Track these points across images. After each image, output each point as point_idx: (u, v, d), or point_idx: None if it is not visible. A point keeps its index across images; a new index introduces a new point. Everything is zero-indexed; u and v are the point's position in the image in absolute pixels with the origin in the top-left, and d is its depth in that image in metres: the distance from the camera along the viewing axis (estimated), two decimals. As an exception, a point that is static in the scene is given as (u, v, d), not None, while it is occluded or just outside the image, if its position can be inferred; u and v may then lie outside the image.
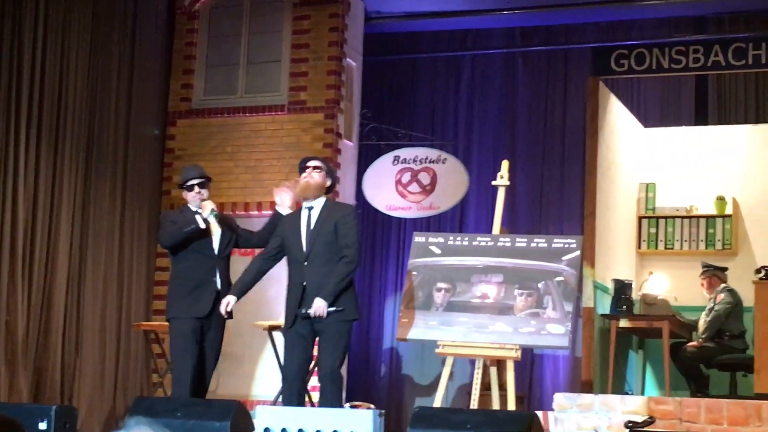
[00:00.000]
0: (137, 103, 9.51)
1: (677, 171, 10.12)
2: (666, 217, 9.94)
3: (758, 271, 8.32)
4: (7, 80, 8.11)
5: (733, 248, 9.71)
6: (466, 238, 7.47)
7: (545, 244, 7.17)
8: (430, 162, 9.72)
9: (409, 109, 10.72)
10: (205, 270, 6.72)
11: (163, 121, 9.92)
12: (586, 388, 8.52)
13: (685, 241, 9.86)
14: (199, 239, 6.74)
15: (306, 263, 6.38)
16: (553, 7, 9.94)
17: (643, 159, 10.18)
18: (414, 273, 7.34)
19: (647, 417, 5.38)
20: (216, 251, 6.78)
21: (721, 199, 9.80)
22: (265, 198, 9.25)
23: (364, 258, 9.87)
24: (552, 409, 6.09)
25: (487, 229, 8.06)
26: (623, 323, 8.81)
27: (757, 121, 10.60)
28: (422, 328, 7.12)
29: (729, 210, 9.79)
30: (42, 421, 5.38)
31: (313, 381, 8.38)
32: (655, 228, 9.97)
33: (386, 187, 9.74)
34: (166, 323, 7.04)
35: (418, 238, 7.51)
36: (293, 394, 6.34)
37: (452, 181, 9.62)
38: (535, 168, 10.22)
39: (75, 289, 8.69)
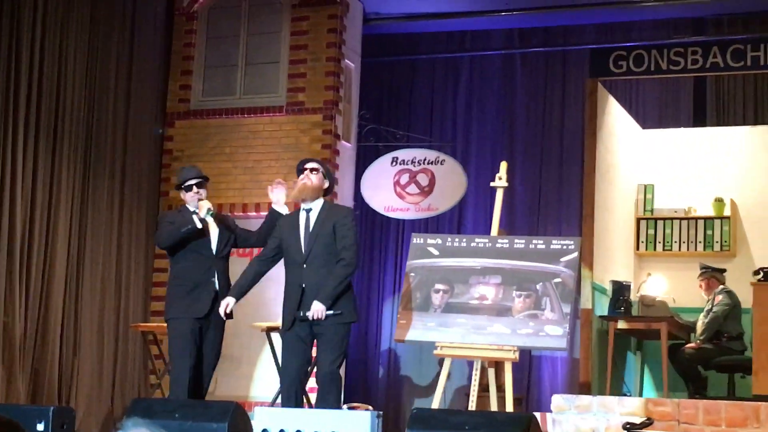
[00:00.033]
0: (135, 103, 9.50)
1: (675, 172, 10.13)
2: (664, 219, 9.95)
3: (756, 272, 8.33)
4: (5, 80, 8.10)
5: (731, 250, 9.72)
6: (465, 240, 7.47)
7: (543, 246, 7.17)
8: (428, 163, 9.72)
9: (408, 111, 10.72)
10: (203, 270, 6.71)
11: (162, 122, 9.92)
12: (584, 389, 8.52)
13: (684, 242, 9.87)
14: (197, 239, 6.74)
15: (305, 265, 6.37)
16: (552, 8, 9.95)
17: (641, 160, 10.19)
18: (412, 274, 7.34)
19: (645, 418, 5.38)
20: (214, 251, 6.78)
21: (719, 201, 9.81)
22: (263, 199, 9.24)
23: (362, 259, 9.87)
24: (550, 411, 6.08)
25: (486, 231, 8.06)
26: (621, 325, 8.81)
27: (755, 123, 10.62)
28: (420, 329, 7.12)
29: (727, 211, 9.80)
30: (39, 423, 5.38)
31: (311, 383, 8.38)
32: (654, 229, 9.98)
33: (384, 189, 9.74)
34: (164, 324, 7.04)
35: (417, 240, 7.51)
36: (291, 395, 6.34)
37: (451, 182, 9.62)
38: (533, 169, 10.22)
39: (73, 290, 8.69)
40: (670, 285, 9.61)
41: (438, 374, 7.20)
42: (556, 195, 10.15)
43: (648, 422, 5.35)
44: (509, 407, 6.82)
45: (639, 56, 9.30)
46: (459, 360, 8.17)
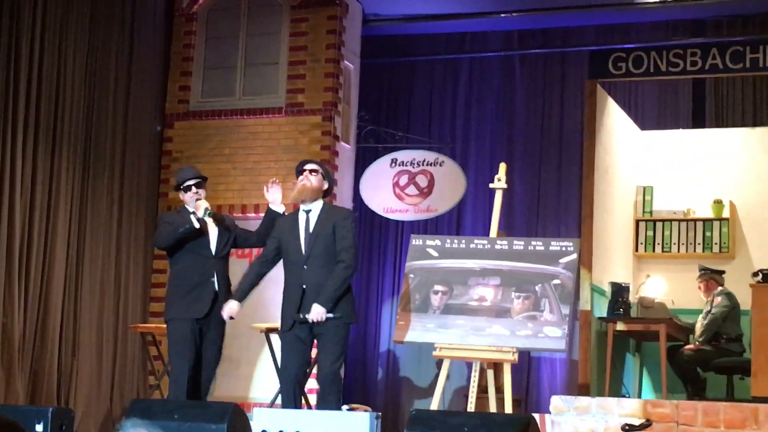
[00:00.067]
0: (135, 104, 9.50)
1: (674, 174, 10.13)
2: (663, 220, 9.95)
3: (755, 274, 8.33)
4: (4, 81, 8.10)
5: (730, 251, 9.72)
6: (464, 241, 7.47)
7: (542, 247, 7.17)
8: (427, 164, 9.72)
9: (407, 112, 10.73)
10: (202, 270, 6.70)
11: (161, 123, 9.92)
12: (583, 390, 8.52)
13: (683, 244, 9.86)
14: (196, 240, 6.73)
15: (305, 266, 6.37)
16: (551, 10, 9.96)
17: (640, 162, 10.19)
18: (411, 275, 7.34)
19: (644, 420, 5.38)
20: (213, 252, 6.77)
21: (718, 203, 9.81)
22: (262, 200, 9.21)
23: (361, 260, 9.87)
24: (549, 412, 6.08)
25: (485, 232, 8.06)
26: (620, 326, 8.81)
27: (754, 125, 10.61)
28: (419, 330, 7.12)
29: (726, 213, 9.80)
30: (38, 423, 5.37)
31: (310, 383, 8.38)
32: (653, 231, 9.98)
33: (384, 190, 9.74)
34: (163, 325, 7.04)
35: (416, 241, 7.51)
36: (290, 396, 6.34)
37: (450, 183, 9.62)
38: (532, 171, 10.22)
39: (72, 291, 8.69)
40: (669, 286, 9.60)
41: (437, 375, 7.20)
42: (555, 196, 10.15)
43: (647, 424, 5.35)
44: (508, 408, 6.82)
45: (638, 58, 9.30)
46: (458, 361, 8.17)
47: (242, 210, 9.43)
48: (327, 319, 6.25)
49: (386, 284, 10.43)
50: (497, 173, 7.65)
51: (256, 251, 8.74)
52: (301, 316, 6.29)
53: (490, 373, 7.14)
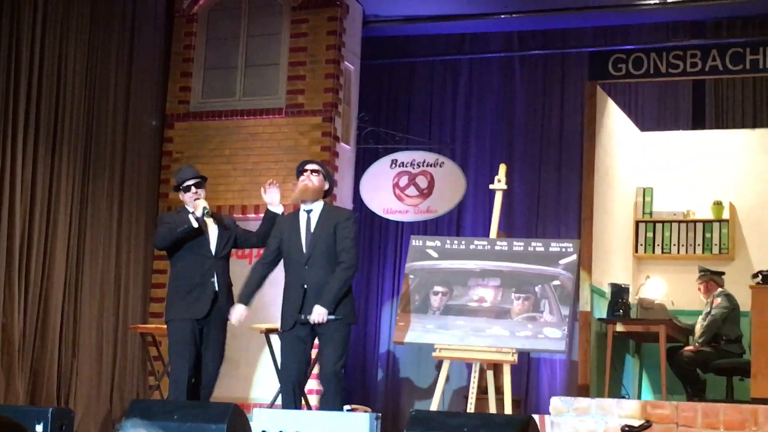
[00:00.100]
0: (135, 105, 9.51)
1: (674, 175, 10.13)
2: (663, 222, 9.95)
3: (755, 275, 8.33)
4: (4, 82, 8.10)
5: (730, 253, 9.72)
6: (464, 242, 7.48)
7: (542, 248, 7.18)
8: (427, 165, 9.72)
9: (407, 113, 10.73)
10: (202, 271, 6.69)
11: (161, 124, 9.92)
12: (583, 391, 8.52)
13: (682, 245, 9.86)
14: (195, 240, 6.72)
15: (306, 266, 6.37)
16: (551, 11, 9.96)
17: (640, 163, 10.19)
18: (411, 276, 7.34)
19: (644, 421, 5.39)
20: (213, 252, 6.76)
21: (718, 204, 9.81)
22: (262, 201, 9.16)
23: (361, 261, 9.87)
24: (548, 413, 6.08)
25: (485, 233, 8.07)
26: (620, 327, 8.81)
27: (754, 126, 10.61)
28: (419, 331, 7.12)
29: (726, 215, 9.80)
30: (38, 423, 5.38)
31: (311, 384, 8.38)
32: (652, 232, 9.98)
33: (384, 191, 9.74)
34: (163, 326, 7.03)
35: (416, 242, 7.51)
36: (290, 396, 6.34)
37: (450, 184, 9.63)
38: (532, 172, 10.23)
39: (72, 292, 8.69)
40: (669, 288, 9.60)
41: (437, 376, 7.20)
42: (555, 197, 10.15)
43: (646, 425, 5.35)
44: (508, 409, 6.82)
45: (638, 59, 9.31)
46: (458, 362, 8.17)
47: (242, 211, 9.43)
48: (328, 320, 6.26)
49: (386, 285, 10.43)
50: (497, 174, 7.65)
51: (256, 252, 8.74)
52: (303, 317, 6.29)
53: (489, 374, 7.14)
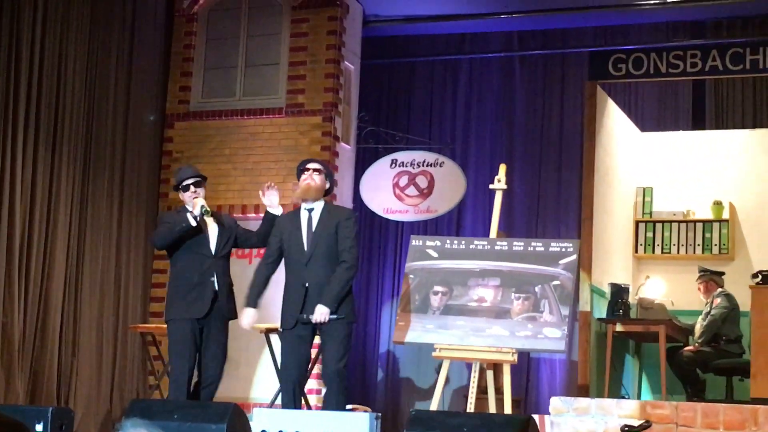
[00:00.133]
0: (135, 104, 9.51)
1: (674, 175, 10.13)
2: (663, 222, 9.95)
3: (755, 275, 8.33)
4: (4, 81, 8.10)
5: (729, 253, 9.72)
6: (463, 242, 7.48)
7: (542, 248, 7.18)
8: (427, 165, 9.72)
9: (407, 113, 10.73)
10: (202, 270, 6.67)
11: (161, 123, 9.92)
12: (583, 391, 8.52)
13: (682, 245, 9.87)
14: (194, 239, 6.70)
15: (308, 264, 6.38)
16: (551, 11, 9.96)
17: (640, 163, 10.19)
18: (411, 276, 7.34)
19: (643, 421, 5.39)
20: (213, 251, 6.74)
21: (718, 204, 9.82)
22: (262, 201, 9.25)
23: (361, 261, 9.86)
24: (548, 413, 6.08)
25: (485, 233, 8.07)
26: (620, 327, 8.81)
27: (754, 126, 10.61)
28: (419, 331, 7.12)
29: (726, 215, 9.80)
30: (38, 423, 5.38)
31: (310, 384, 8.38)
32: (652, 232, 9.98)
33: (384, 191, 9.74)
34: (163, 325, 7.03)
35: (415, 242, 7.51)
36: (291, 395, 6.34)
37: (450, 184, 9.63)
38: (532, 172, 10.23)
39: (72, 291, 8.69)
40: (669, 288, 9.61)
41: (437, 376, 7.20)
42: (555, 197, 10.15)
43: (646, 425, 5.35)
44: (507, 409, 6.82)
45: (638, 59, 9.31)
46: (457, 362, 8.17)
47: (242, 210, 9.43)
48: (330, 320, 6.26)
49: (386, 285, 10.44)
50: (497, 174, 7.65)
51: (256, 252, 8.74)
52: (305, 316, 6.29)
53: (489, 374, 7.14)
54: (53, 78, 8.56)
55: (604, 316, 8.94)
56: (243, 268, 8.81)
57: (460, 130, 10.54)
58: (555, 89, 10.38)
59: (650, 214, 10.03)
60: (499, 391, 7.28)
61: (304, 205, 6.54)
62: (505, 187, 7.62)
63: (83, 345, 8.74)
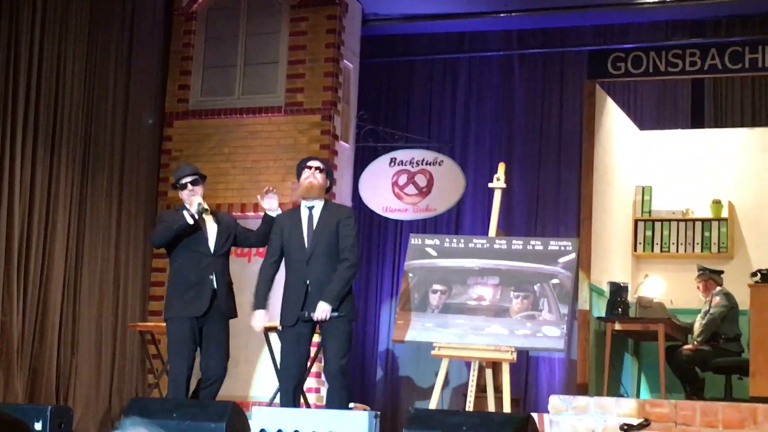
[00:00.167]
0: (134, 103, 9.50)
1: (673, 174, 10.14)
2: (662, 220, 9.96)
3: (754, 274, 8.34)
4: (3, 81, 8.09)
5: (728, 251, 9.73)
6: (462, 240, 7.48)
7: (541, 247, 7.18)
8: (426, 164, 9.72)
9: (406, 111, 10.73)
10: (200, 268, 6.65)
11: (160, 122, 9.92)
12: (582, 390, 8.53)
13: (681, 244, 9.87)
14: (193, 237, 6.69)
15: (308, 262, 6.38)
16: (550, 9, 9.96)
17: (639, 162, 10.20)
18: (410, 275, 7.34)
19: (642, 420, 5.39)
20: (212, 249, 6.72)
21: (717, 203, 9.82)
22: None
23: (360, 260, 9.87)
24: (547, 412, 6.08)
25: (483, 232, 8.07)
26: (619, 326, 8.82)
27: (753, 125, 10.63)
28: (418, 329, 7.12)
29: (725, 213, 9.81)
30: (37, 422, 5.37)
31: (309, 383, 8.38)
32: (651, 231, 9.99)
33: (383, 189, 9.74)
34: (162, 324, 7.02)
35: (414, 240, 7.51)
36: (290, 393, 6.34)
37: (449, 183, 9.63)
38: (531, 170, 10.23)
39: (71, 290, 8.69)
40: (668, 286, 9.61)
41: (436, 375, 7.20)
42: (554, 196, 10.15)
43: (645, 423, 5.35)
44: (507, 408, 6.82)
45: (637, 58, 9.31)
46: (457, 360, 8.17)
47: (241, 209, 9.43)
48: (331, 317, 6.26)
49: (385, 283, 10.44)
50: (496, 173, 7.65)
51: (255, 250, 8.75)
52: (306, 314, 6.29)
53: (488, 373, 7.14)
54: (52, 79, 8.55)
55: (603, 314, 8.94)
56: (242, 266, 8.81)
57: (460, 129, 10.54)
58: (554, 88, 10.38)
59: (649, 212, 10.03)
60: (498, 390, 7.28)
61: (304, 203, 6.54)
62: (504, 185, 7.62)
63: (82, 344, 8.74)
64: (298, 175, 6.63)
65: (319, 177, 6.52)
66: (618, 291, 8.89)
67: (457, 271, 7.26)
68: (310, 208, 6.50)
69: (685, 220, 9.90)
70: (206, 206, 6.69)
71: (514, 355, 6.84)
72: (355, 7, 10.00)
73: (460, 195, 9.65)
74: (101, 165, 9.08)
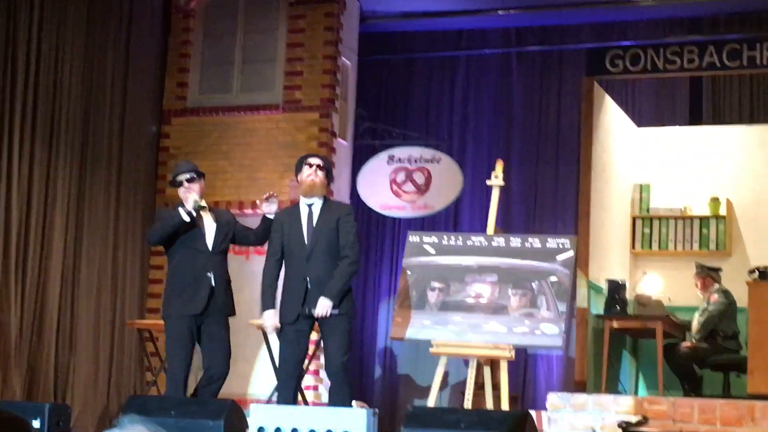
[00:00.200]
0: (132, 101, 9.49)
1: (671, 171, 10.14)
2: (660, 218, 9.97)
3: (752, 271, 8.34)
4: (1, 79, 8.09)
5: (726, 249, 9.74)
6: (460, 238, 7.48)
7: (539, 244, 7.18)
8: (424, 161, 9.72)
9: (404, 109, 10.72)
10: (198, 266, 6.64)
11: (158, 120, 9.91)
12: (580, 387, 8.54)
13: (679, 241, 9.88)
14: (190, 234, 6.67)
15: (308, 259, 6.38)
16: (548, 7, 9.95)
17: (637, 159, 10.20)
18: (408, 272, 7.34)
19: (640, 417, 5.40)
20: (210, 247, 6.69)
21: (715, 200, 9.83)
22: (259, 196, 9.23)
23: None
24: (545, 409, 6.09)
25: (482, 229, 8.07)
26: (617, 324, 8.83)
27: (751, 122, 10.64)
28: (416, 327, 7.12)
29: (723, 211, 9.82)
30: (35, 419, 5.37)
31: (307, 380, 8.38)
32: (649, 228, 10.00)
33: (381, 187, 9.74)
34: (160, 322, 7.01)
35: (413, 238, 7.51)
36: (289, 390, 6.35)
37: (447, 180, 9.62)
38: (529, 168, 10.22)
39: (69, 288, 8.68)
40: (666, 284, 9.62)
41: (434, 372, 7.20)
42: (552, 194, 10.15)
43: (643, 421, 5.36)
44: (505, 405, 6.83)
45: (635, 55, 9.32)
46: (455, 358, 8.18)
47: (239, 206, 9.42)
48: (331, 314, 6.27)
49: (383, 281, 10.43)
50: (494, 170, 7.65)
51: (253, 248, 8.74)
52: (307, 310, 6.29)
53: (486, 370, 7.14)
54: (50, 76, 8.54)
55: (601, 312, 8.95)
56: (240, 264, 8.81)
57: (458, 127, 10.53)
58: (552, 85, 10.37)
59: (647, 210, 10.04)
60: (496, 387, 7.28)
61: (304, 200, 6.54)
62: (502, 183, 7.62)
63: (80, 341, 8.74)
64: (297, 172, 6.62)
65: (321, 175, 6.52)
66: (616, 288, 8.90)
67: (455, 268, 7.26)
68: (310, 206, 6.50)
69: (683, 218, 9.91)
70: (203, 203, 6.66)
71: (513, 353, 6.84)
72: (354, 5, 9.99)
73: (458, 192, 9.64)
74: (99, 163, 9.07)
